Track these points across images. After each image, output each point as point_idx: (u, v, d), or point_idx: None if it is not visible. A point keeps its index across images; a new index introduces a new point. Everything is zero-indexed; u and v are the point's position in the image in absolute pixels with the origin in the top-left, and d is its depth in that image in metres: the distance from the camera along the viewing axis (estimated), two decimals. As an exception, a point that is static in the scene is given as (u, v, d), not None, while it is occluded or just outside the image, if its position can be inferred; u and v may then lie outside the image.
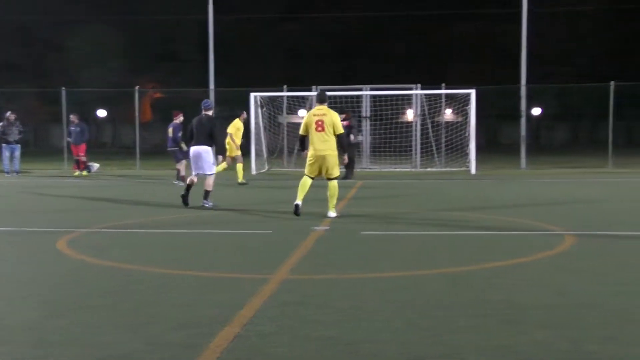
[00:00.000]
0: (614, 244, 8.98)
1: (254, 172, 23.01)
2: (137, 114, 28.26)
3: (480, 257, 7.99)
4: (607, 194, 16.42)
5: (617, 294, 6.24)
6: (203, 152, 12.90)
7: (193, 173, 13.32)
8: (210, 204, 12.92)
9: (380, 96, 25.38)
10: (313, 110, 11.41)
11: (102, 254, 8.32)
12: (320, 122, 11.11)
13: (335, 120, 11.21)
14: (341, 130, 11.25)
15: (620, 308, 5.74)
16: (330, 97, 25.64)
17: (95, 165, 24.23)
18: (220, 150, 14.32)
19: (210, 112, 13.19)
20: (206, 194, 12.98)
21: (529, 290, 6.36)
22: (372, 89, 26.54)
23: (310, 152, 11.27)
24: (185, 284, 6.73)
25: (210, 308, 5.74)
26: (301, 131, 11.47)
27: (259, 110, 25.38)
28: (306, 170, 11.39)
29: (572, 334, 5.03)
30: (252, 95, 25.19)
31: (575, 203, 14.36)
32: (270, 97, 26.52)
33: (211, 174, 13.03)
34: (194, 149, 13.02)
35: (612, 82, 25.80)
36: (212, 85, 28.64)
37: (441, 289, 6.49)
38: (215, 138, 13.08)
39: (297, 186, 11.46)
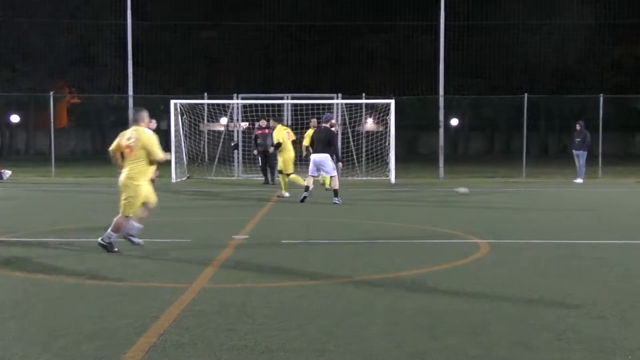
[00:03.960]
0: (526, 251, 9.26)
1: (174, 180, 22.72)
2: (51, 119, 27.50)
3: (397, 266, 8.12)
4: (520, 202, 16.92)
5: (527, 300, 6.45)
6: (325, 158, 15.54)
7: (311, 176, 15.77)
8: (339, 200, 15.38)
9: (301, 105, 25.48)
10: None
11: (9, 264, 8.07)
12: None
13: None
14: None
15: (529, 314, 5.92)
16: (250, 105, 25.79)
17: (8, 173, 23.46)
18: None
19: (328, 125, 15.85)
20: (335, 192, 15.49)
21: (443, 298, 6.51)
22: (292, 98, 26.64)
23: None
24: (99, 294, 6.59)
25: (126, 318, 5.64)
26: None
27: (179, 117, 25.09)
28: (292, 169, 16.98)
29: (483, 340, 5.17)
30: (172, 102, 24.89)
31: (490, 212, 14.75)
32: (190, 105, 26.26)
33: (334, 175, 15.65)
34: (315, 156, 15.66)
35: (526, 94, 26.66)
36: (130, 92, 28.15)
37: (357, 296, 6.57)
38: (334, 147, 15.97)
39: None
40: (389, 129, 24.16)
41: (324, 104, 25.50)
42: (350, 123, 26.02)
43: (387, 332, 5.36)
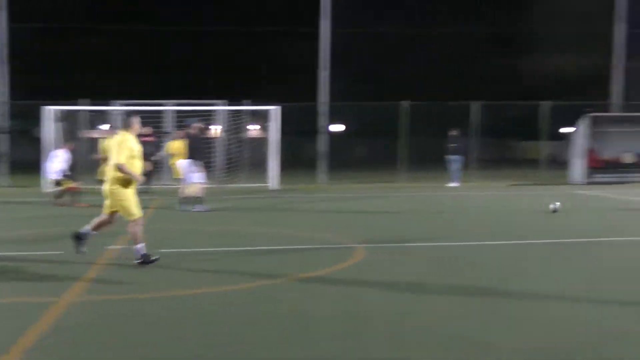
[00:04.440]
0: (402, 254, 9.56)
1: (46, 189, 21.91)
2: None
3: (276, 272, 8.21)
4: (399, 207, 17.38)
5: (403, 301, 6.68)
6: (191, 164, 15.40)
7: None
8: (202, 208, 15.25)
9: (184, 111, 25.18)
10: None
11: None
12: None
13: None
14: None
15: (405, 316, 6.13)
16: (132, 112, 25.13)
17: None
18: None
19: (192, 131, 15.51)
20: (196, 200, 15.40)
21: (321, 303, 6.64)
22: (176, 104, 26.29)
23: None
24: (-39, 312, 6.34)
25: (-13, 336, 5.46)
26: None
27: (57, 124, 24.26)
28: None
29: (359, 344, 5.33)
30: (48, 108, 24.05)
31: (370, 216, 15.09)
32: (69, 111, 25.44)
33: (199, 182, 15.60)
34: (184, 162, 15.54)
35: (408, 102, 27.45)
36: (6, 97, 26.98)
37: (236, 304, 6.61)
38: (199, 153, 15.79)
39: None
40: (270, 136, 24.29)
41: (207, 111, 25.30)
42: (233, 130, 25.95)
43: (265, 339, 5.43)
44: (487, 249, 10.10)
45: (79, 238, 8.89)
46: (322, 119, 28.27)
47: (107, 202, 8.71)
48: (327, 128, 30.11)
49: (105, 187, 8.68)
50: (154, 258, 8.55)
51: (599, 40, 35.11)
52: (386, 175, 29.94)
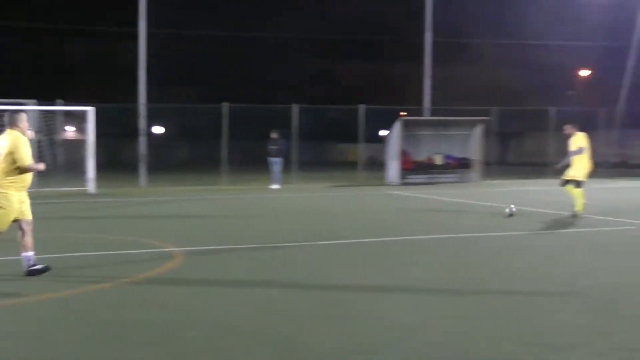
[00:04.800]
0: (220, 257, 9.53)
1: None
2: None
3: (90, 278, 7.90)
4: (219, 210, 17.35)
5: (215, 306, 6.65)
6: None
7: None
8: None
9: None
10: None
11: None
12: None
13: None
14: None
15: (223, 318, 6.11)
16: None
17: None
18: None
19: None
20: None
21: (137, 308, 6.47)
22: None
23: None
24: None
25: None
26: None
27: None
28: None
29: (173, 350, 5.23)
30: None
31: (189, 220, 14.92)
32: None
33: None
34: None
35: (225, 104, 27.39)
36: None
37: (48, 314, 6.29)
38: None
39: None
40: (87, 137, 23.38)
41: (14, 111, 23.82)
42: (45, 131, 24.67)
43: (80, 346, 5.20)
44: (306, 249, 10.31)
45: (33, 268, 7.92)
46: (142, 121, 27.57)
47: None
48: (148, 130, 29.43)
49: None
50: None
51: (410, 48, 37.05)
52: (208, 178, 29.75)
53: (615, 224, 13.13)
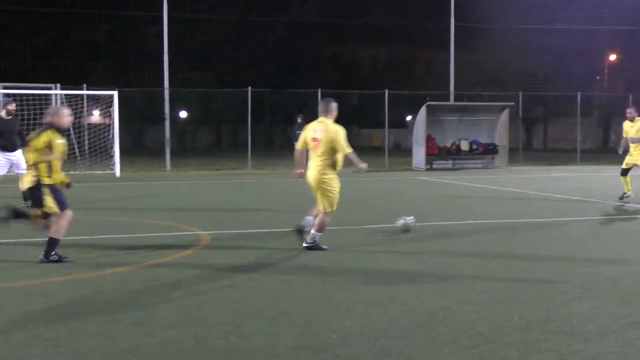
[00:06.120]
0: (246, 241, 9.51)
1: None
2: None
3: (115, 260, 7.92)
4: (245, 194, 17.35)
5: (244, 288, 6.63)
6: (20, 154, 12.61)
7: None
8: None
9: (14, 95, 23.76)
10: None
11: None
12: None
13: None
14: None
15: (240, 303, 6.08)
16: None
17: None
18: None
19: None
20: None
21: (161, 291, 6.47)
22: (4, 88, 24.72)
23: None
24: None
25: None
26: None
27: None
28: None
29: (197, 331, 5.22)
30: None
31: (214, 203, 14.94)
32: None
33: None
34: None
35: (250, 88, 27.33)
36: None
37: (70, 295, 6.30)
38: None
39: None
40: (113, 122, 23.49)
41: (40, 95, 24.01)
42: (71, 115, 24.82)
43: (102, 330, 5.20)
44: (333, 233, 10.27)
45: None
46: (166, 105, 27.62)
47: None
48: (172, 115, 29.47)
49: None
50: None
51: (435, 33, 36.74)
52: (232, 162, 29.81)
53: (644, 211, 12.93)
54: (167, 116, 27.79)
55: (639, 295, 6.37)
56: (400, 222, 10.15)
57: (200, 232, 10.06)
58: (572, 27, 37.39)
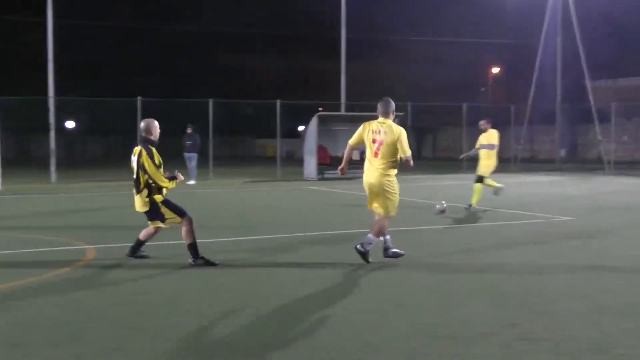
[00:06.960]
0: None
1: None
2: None
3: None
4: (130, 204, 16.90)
5: (126, 302, 6.45)
6: None
7: None
8: None
9: None
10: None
11: None
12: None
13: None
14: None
15: (124, 319, 5.92)
16: None
17: None
18: None
19: None
20: None
21: (40, 309, 6.22)
22: None
23: None
24: None
25: None
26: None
27: None
28: None
29: (77, 349, 5.04)
30: None
31: (100, 216, 14.50)
32: None
33: None
34: None
35: (139, 97, 26.74)
36: None
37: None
38: None
39: None
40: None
41: None
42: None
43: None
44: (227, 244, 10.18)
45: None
46: (50, 115, 26.61)
47: None
48: (59, 124, 28.45)
49: None
50: None
51: (327, 44, 37.21)
52: (122, 173, 29.03)
53: (524, 218, 13.49)
54: (53, 126, 26.78)
55: (517, 298, 6.61)
56: (437, 207, 12.89)
57: (86, 246, 9.74)
58: (459, 40, 38.76)
